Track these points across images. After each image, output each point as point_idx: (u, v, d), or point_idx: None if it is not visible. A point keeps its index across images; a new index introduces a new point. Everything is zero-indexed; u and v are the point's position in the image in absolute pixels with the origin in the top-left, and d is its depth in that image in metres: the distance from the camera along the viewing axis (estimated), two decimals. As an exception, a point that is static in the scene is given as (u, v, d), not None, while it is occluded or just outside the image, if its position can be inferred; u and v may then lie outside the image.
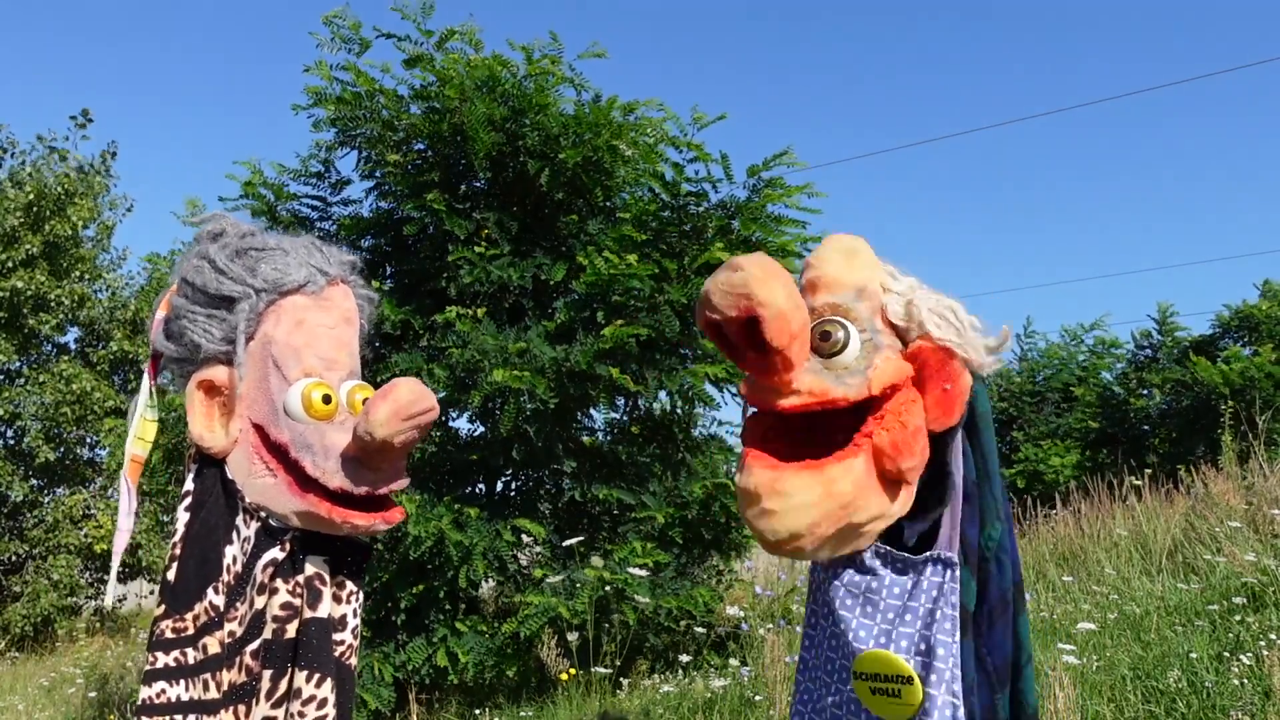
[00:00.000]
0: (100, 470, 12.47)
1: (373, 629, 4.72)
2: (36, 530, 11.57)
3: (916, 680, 1.33)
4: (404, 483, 1.59)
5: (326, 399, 1.55)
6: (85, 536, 11.47)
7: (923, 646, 1.36)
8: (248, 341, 1.58)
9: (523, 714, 4.46)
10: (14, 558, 11.61)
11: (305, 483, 1.52)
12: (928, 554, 1.40)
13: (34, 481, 11.98)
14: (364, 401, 1.56)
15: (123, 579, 12.35)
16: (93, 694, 6.57)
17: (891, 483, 1.38)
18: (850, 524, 1.37)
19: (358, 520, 1.53)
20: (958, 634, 1.36)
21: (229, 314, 1.59)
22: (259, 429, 1.56)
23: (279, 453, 1.55)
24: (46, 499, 12.07)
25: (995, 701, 1.44)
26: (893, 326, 1.48)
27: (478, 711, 4.70)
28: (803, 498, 1.33)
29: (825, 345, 1.42)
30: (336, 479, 1.51)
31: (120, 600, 12.40)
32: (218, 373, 1.58)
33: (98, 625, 11.34)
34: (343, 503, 1.52)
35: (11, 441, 12.03)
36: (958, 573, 1.39)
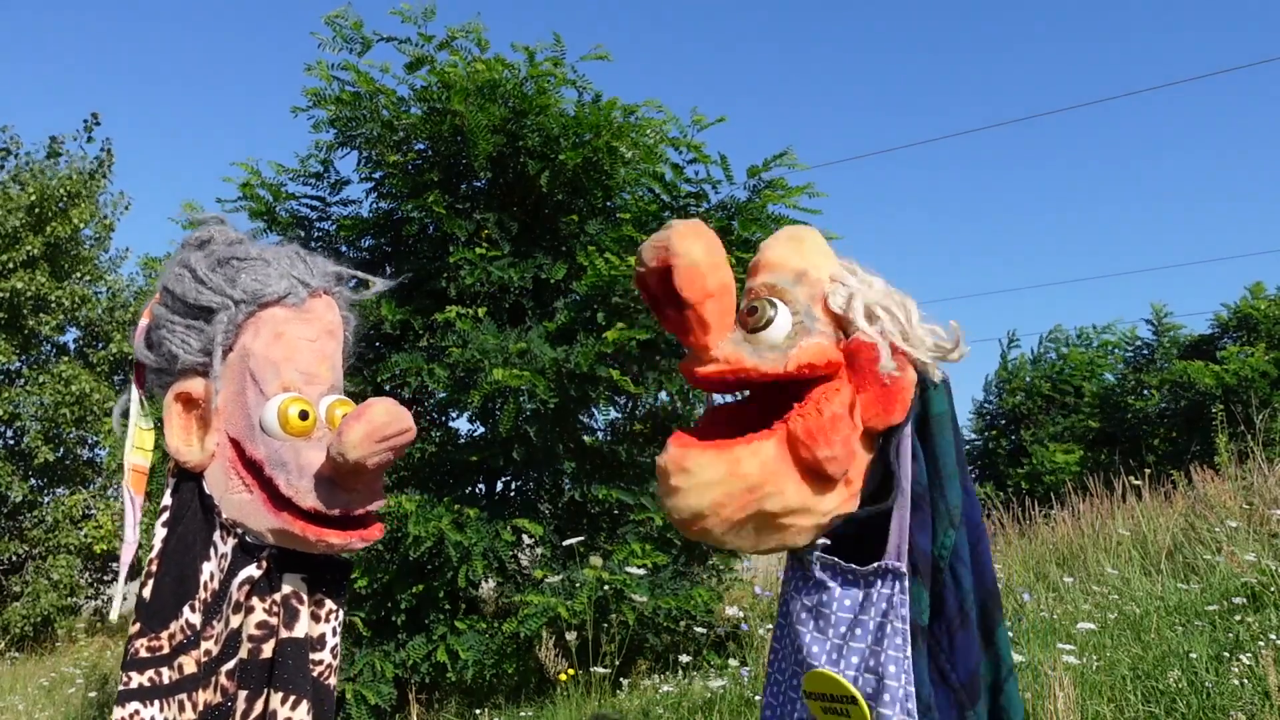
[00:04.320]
0: (100, 470, 12.47)
1: (373, 629, 4.72)
2: (36, 530, 11.57)
3: (861, 700, 1.30)
4: (381, 503, 1.56)
5: (304, 415, 1.51)
6: (85, 537, 11.47)
7: (872, 663, 1.33)
8: (226, 354, 1.55)
9: (522, 714, 4.46)
10: (14, 558, 11.60)
11: (279, 501, 1.49)
12: (875, 565, 1.37)
13: (33, 482, 11.97)
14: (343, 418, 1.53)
15: (129, 577, 12.33)
16: (93, 694, 6.57)
17: (815, 475, 1.35)
18: (763, 511, 1.34)
19: (333, 539, 1.50)
20: (908, 649, 1.33)
21: (207, 325, 1.55)
22: (236, 444, 1.53)
23: (254, 469, 1.51)
24: (46, 499, 12.06)
25: (965, 718, 1.40)
26: (836, 318, 1.46)
27: (477, 711, 4.70)
28: (706, 475, 1.32)
29: (750, 319, 1.42)
30: (310, 499, 1.47)
31: (120, 600, 12.40)
32: (195, 385, 1.55)
33: (98, 625, 11.33)
34: (317, 521, 1.49)
35: (11, 442, 12.03)
36: (906, 584, 1.35)
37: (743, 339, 1.41)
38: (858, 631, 1.35)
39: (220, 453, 1.54)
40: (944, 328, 1.51)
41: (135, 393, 1.67)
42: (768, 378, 1.39)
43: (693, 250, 1.32)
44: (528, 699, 4.74)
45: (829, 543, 1.42)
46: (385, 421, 1.43)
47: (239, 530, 1.52)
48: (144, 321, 1.65)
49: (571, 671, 4.36)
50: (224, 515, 1.53)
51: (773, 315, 1.41)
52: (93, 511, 11.94)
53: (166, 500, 1.57)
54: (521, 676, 4.84)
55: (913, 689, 1.31)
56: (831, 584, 1.39)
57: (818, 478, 1.36)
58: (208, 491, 1.54)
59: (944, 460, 1.44)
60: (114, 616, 1.65)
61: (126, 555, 1.65)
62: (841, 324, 1.46)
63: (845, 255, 1.57)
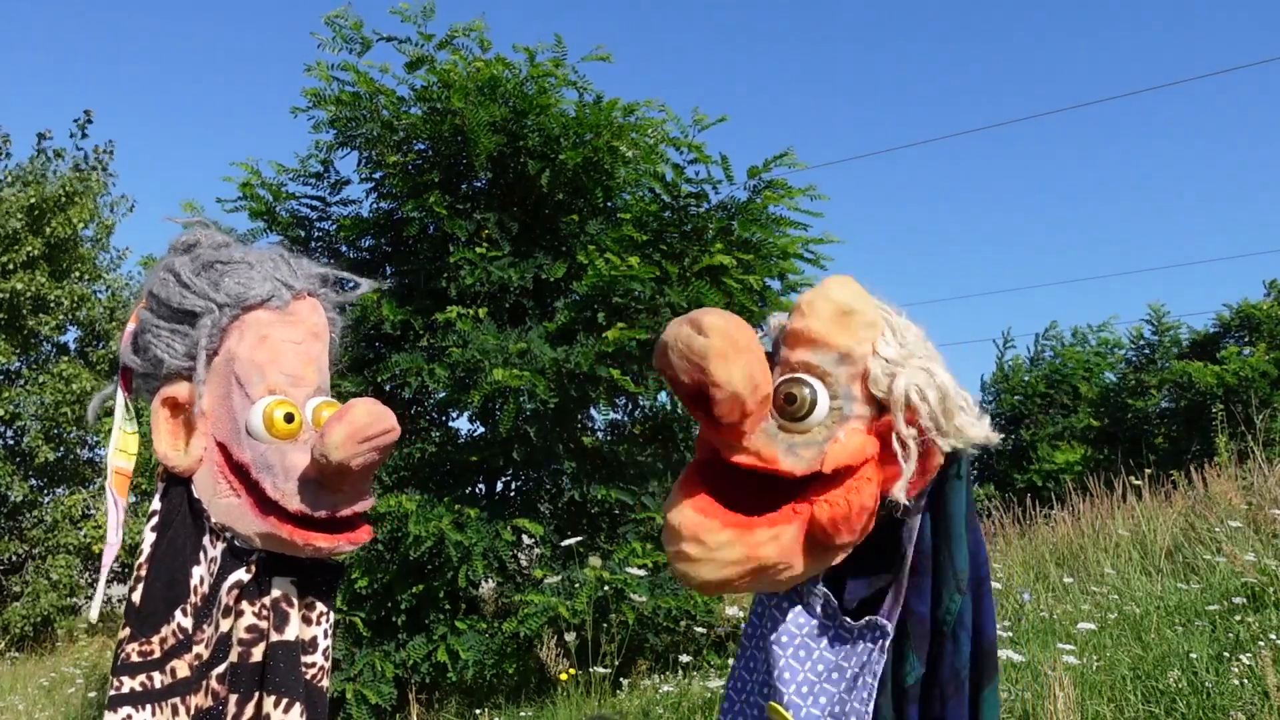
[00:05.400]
0: (99, 470, 12.47)
1: (373, 629, 4.72)
2: (36, 530, 11.58)
3: None
4: (369, 504, 1.54)
5: (289, 418, 1.51)
6: (84, 536, 11.48)
7: (838, 709, 1.31)
8: (210, 358, 1.54)
9: (522, 714, 4.46)
10: (14, 558, 11.61)
11: (266, 504, 1.49)
12: (867, 619, 1.34)
13: (33, 481, 11.98)
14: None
15: (122, 579, 12.35)
16: (93, 694, 6.58)
17: (825, 550, 1.31)
18: (767, 577, 1.31)
19: (320, 543, 1.49)
20: (871, 704, 1.31)
21: (192, 329, 1.55)
22: (223, 447, 1.52)
23: (241, 473, 1.51)
24: (46, 499, 12.07)
25: None
26: (872, 396, 1.35)
27: (477, 711, 4.70)
28: (723, 555, 1.27)
29: (789, 408, 1.32)
30: (296, 502, 1.47)
31: (118, 601, 12.41)
32: (181, 389, 1.54)
33: (98, 625, 11.33)
34: (304, 525, 1.48)
35: (11, 442, 12.03)
36: (887, 644, 1.33)
37: (777, 429, 1.32)
38: (834, 675, 1.34)
39: (208, 457, 1.54)
40: (974, 401, 1.40)
41: (121, 396, 1.66)
42: (799, 477, 1.32)
43: (734, 379, 1.22)
44: (528, 699, 4.74)
45: (835, 600, 1.39)
46: (367, 422, 1.42)
47: (228, 534, 1.52)
48: (131, 326, 1.64)
49: (572, 671, 4.36)
50: (213, 519, 1.52)
51: (811, 399, 1.32)
52: (92, 511, 11.94)
53: (155, 505, 1.56)
54: (521, 676, 4.84)
55: None
56: (826, 623, 1.38)
57: (827, 552, 1.33)
58: (196, 495, 1.54)
59: (954, 520, 1.37)
60: (93, 616, 1.63)
61: (109, 556, 1.64)
62: (878, 401, 1.36)
63: (885, 300, 1.44)
